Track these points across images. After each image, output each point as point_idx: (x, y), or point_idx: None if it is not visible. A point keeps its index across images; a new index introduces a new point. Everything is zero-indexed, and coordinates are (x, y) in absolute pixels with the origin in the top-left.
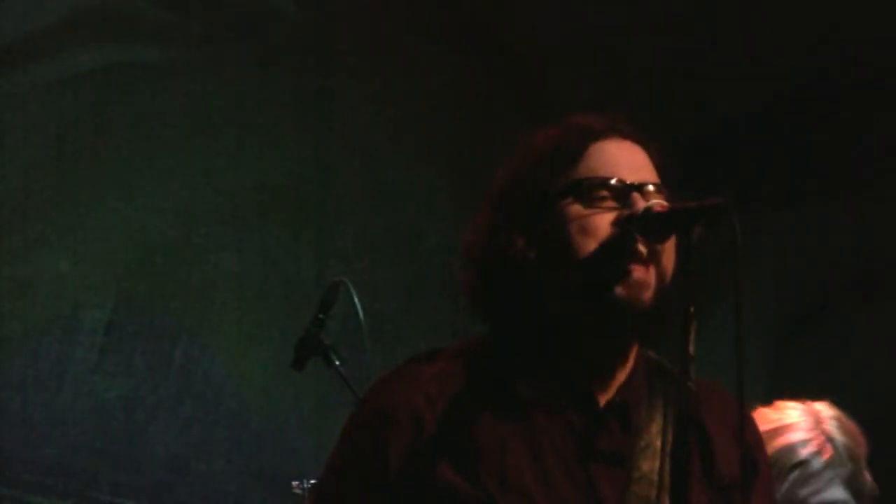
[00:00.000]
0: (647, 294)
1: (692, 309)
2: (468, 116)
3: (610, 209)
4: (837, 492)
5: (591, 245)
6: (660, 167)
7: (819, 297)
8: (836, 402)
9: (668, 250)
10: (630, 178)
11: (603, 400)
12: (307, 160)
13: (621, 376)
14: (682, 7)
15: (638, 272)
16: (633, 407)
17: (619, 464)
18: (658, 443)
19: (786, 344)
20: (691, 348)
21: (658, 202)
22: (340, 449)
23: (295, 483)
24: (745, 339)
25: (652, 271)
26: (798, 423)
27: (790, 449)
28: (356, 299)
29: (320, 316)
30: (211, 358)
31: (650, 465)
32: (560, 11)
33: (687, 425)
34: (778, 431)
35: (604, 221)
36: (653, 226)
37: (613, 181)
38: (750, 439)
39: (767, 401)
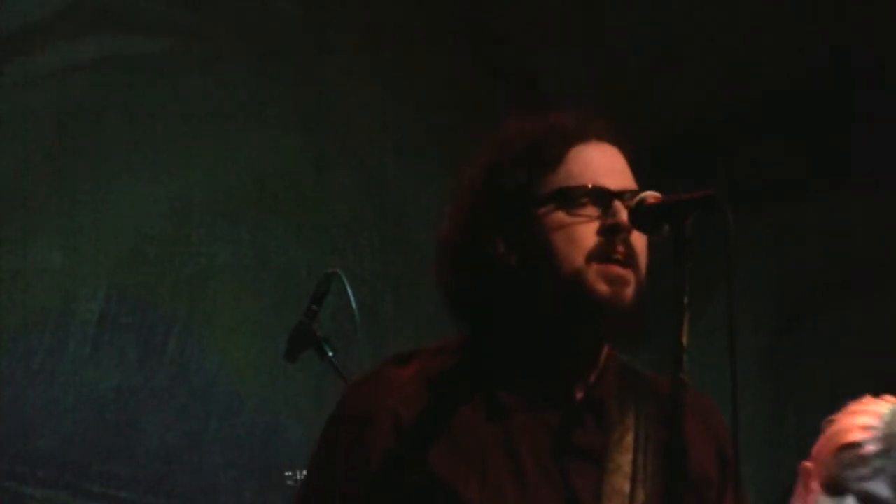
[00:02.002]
0: (629, 292)
1: (685, 300)
2: (462, 110)
3: (593, 217)
4: (881, 487)
5: (575, 253)
6: (632, 166)
7: (813, 293)
8: (829, 396)
9: (642, 252)
10: (612, 185)
11: (577, 396)
12: (301, 153)
13: (593, 376)
14: (673, 3)
15: (620, 271)
16: (606, 403)
17: (593, 458)
18: (631, 436)
19: (779, 339)
20: (684, 339)
21: (651, 193)
22: (320, 453)
23: (288, 474)
24: (737, 332)
25: (631, 272)
26: (869, 410)
27: (847, 429)
28: (350, 291)
29: (313, 307)
30: (204, 350)
31: (624, 457)
32: (554, 6)
33: (658, 423)
34: (847, 414)
35: (588, 230)
36: (645, 218)
37: (596, 189)
38: (722, 436)
39: (760, 395)
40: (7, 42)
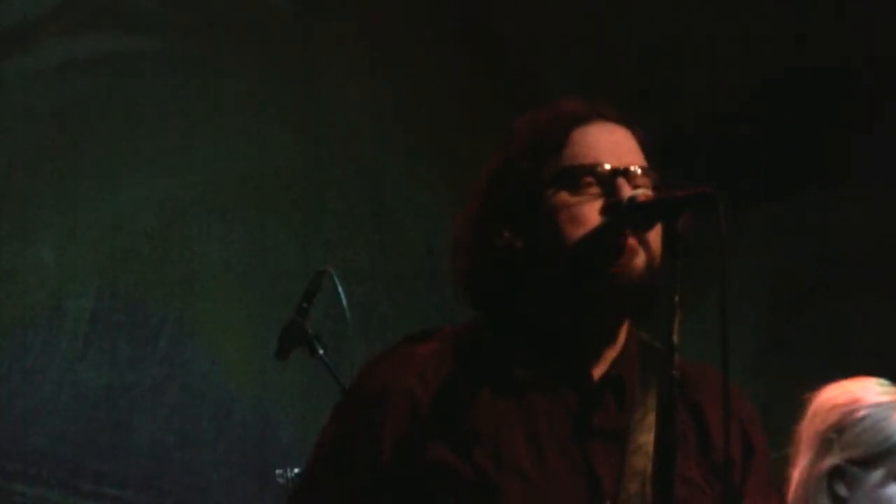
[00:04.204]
0: (639, 270)
1: (677, 298)
2: (454, 106)
3: (596, 196)
4: None
5: (579, 232)
6: (645, 147)
7: (808, 287)
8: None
9: (655, 236)
10: (615, 163)
11: (597, 375)
12: (292, 150)
13: (613, 352)
14: (672, 2)
15: (628, 247)
16: (627, 381)
17: (614, 438)
18: (653, 416)
19: (774, 333)
20: (675, 338)
21: (643, 191)
22: (332, 428)
23: (278, 472)
24: (731, 326)
25: (641, 252)
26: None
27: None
28: (340, 288)
29: (304, 305)
30: (195, 347)
31: (646, 437)
32: (554, 6)
33: (670, 405)
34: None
35: (592, 210)
36: (638, 215)
37: (598, 168)
38: (745, 419)
39: (755, 387)
40: (3, 40)
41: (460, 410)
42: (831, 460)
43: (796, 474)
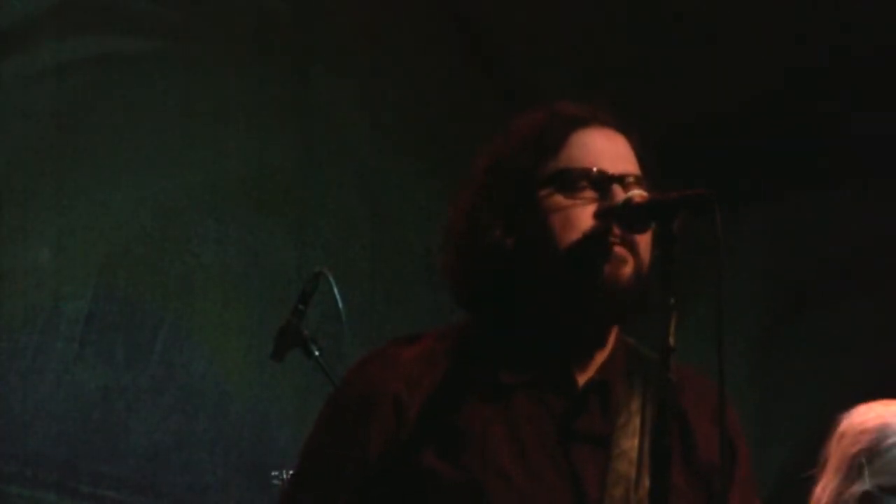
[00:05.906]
0: (628, 273)
1: (673, 300)
2: (450, 106)
3: (591, 200)
4: None
5: (572, 236)
6: (641, 156)
7: (806, 288)
8: (816, 396)
9: (645, 242)
10: (611, 169)
11: (582, 380)
12: (288, 151)
13: (600, 358)
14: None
15: (618, 251)
16: (612, 387)
17: (599, 443)
18: (637, 421)
19: (769, 336)
20: (671, 340)
21: (638, 193)
22: (318, 433)
23: (275, 474)
24: (726, 330)
25: (628, 252)
26: None
27: None
28: (336, 290)
29: (300, 307)
30: (192, 349)
31: (630, 442)
32: (548, 4)
33: (665, 409)
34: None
35: (585, 213)
36: (633, 217)
37: (595, 172)
38: (730, 424)
39: (750, 392)
40: (2, 40)
41: (447, 414)
42: (861, 486)
43: (824, 496)
